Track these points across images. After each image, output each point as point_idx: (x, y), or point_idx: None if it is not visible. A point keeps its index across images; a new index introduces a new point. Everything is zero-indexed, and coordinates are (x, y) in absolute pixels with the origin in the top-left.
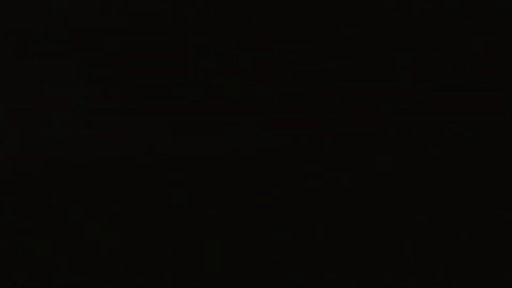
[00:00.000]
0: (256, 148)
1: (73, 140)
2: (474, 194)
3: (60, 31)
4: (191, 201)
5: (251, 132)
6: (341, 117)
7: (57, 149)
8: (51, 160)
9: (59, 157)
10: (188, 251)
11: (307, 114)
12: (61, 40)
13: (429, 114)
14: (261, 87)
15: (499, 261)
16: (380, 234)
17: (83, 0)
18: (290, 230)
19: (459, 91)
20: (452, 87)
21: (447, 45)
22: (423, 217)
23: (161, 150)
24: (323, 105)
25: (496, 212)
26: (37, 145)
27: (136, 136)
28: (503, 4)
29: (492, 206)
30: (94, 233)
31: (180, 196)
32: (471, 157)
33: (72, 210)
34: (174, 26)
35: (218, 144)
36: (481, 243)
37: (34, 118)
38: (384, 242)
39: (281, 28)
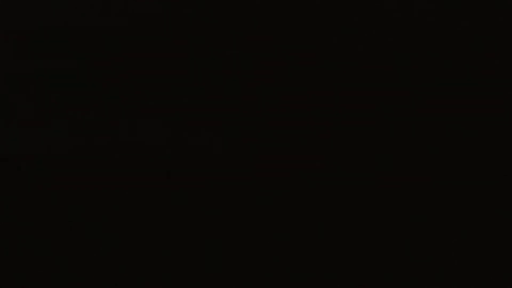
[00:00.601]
0: (256, 147)
1: (73, 140)
2: (474, 194)
3: (60, 31)
4: (191, 201)
5: (251, 132)
6: (341, 117)
7: (57, 148)
8: (51, 159)
9: (59, 157)
10: (188, 250)
11: (307, 114)
12: (61, 40)
13: (429, 114)
14: (261, 87)
15: (499, 261)
16: (380, 234)
17: (83, 0)
18: (290, 230)
19: (459, 91)
20: (452, 87)
21: (447, 45)
22: (423, 217)
23: (161, 149)
24: (323, 105)
25: (496, 212)
26: (37, 144)
27: (136, 136)
28: (503, 4)
29: (492, 206)
30: (94, 233)
31: (180, 196)
32: (471, 157)
33: (72, 210)
34: (174, 26)
35: (218, 144)
36: (481, 243)
37: (33, 118)
38: (384, 242)
39: (281, 28)
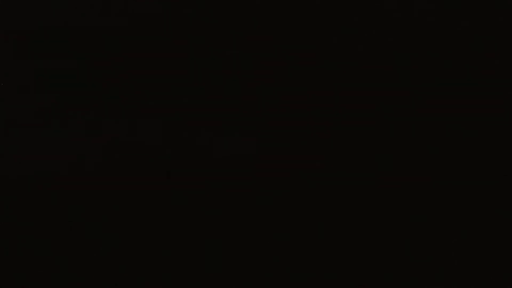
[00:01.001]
0: (256, 147)
1: (73, 140)
2: (474, 194)
3: (60, 31)
4: (191, 201)
5: (252, 132)
6: (341, 117)
7: (57, 149)
8: (51, 160)
9: (59, 157)
10: (188, 250)
11: (307, 114)
12: (61, 40)
13: (429, 114)
14: (261, 87)
15: (499, 261)
16: (380, 234)
17: (83, 0)
18: (290, 230)
19: (459, 91)
20: (452, 87)
21: (447, 45)
22: (423, 217)
23: (161, 149)
24: (323, 105)
25: (496, 212)
26: (37, 145)
27: (136, 136)
28: (503, 4)
29: (492, 206)
30: (94, 233)
31: (180, 196)
32: (471, 157)
33: (72, 210)
34: (174, 26)
35: (218, 144)
36: (481, 243)
37: (33, 118)
38: (384, 242)
39: (281, 28)
